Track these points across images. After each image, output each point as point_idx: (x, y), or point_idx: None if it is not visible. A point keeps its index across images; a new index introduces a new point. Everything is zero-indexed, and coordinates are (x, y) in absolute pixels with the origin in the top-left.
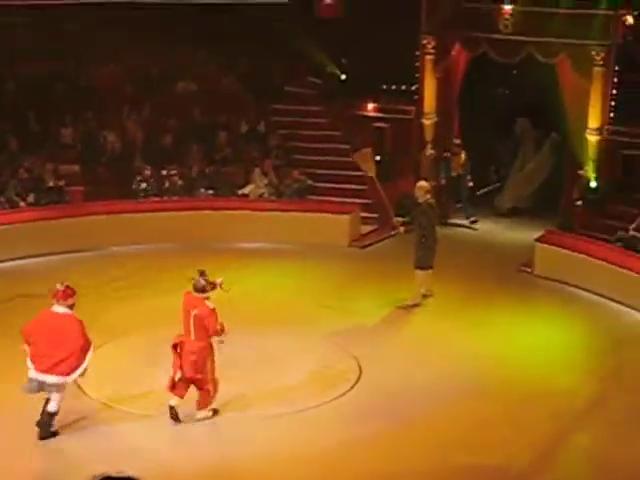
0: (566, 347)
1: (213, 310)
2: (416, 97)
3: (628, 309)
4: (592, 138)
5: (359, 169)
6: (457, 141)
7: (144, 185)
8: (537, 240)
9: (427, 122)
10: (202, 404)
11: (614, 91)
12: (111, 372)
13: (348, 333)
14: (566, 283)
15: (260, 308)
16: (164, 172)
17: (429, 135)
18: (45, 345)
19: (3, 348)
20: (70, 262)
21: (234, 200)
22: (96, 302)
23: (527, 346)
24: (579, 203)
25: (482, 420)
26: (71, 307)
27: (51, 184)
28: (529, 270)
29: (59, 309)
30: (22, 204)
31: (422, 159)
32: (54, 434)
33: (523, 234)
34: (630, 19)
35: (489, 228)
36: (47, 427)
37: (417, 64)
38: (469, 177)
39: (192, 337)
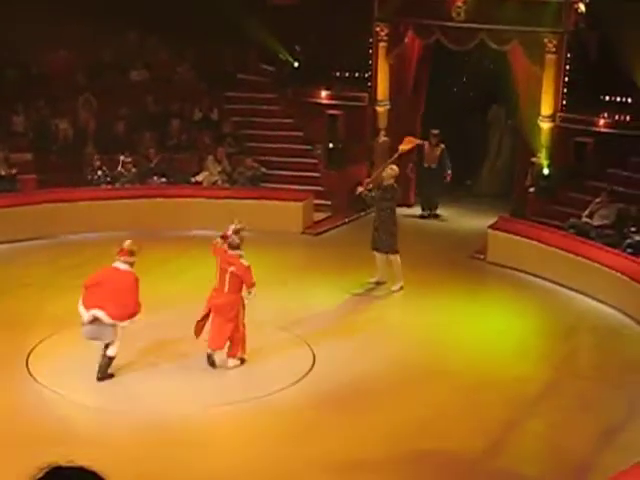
0: (519, 334)
1: (249, 267)
2: (369, 84)
3: (581, 295)
4: (545, 125)
5: (312, 156)
6: (435, 131)
7: (99, 173)
8: (490, 227)
9: (380, 109)
10: (232, 353)
11: (566, 78)
12: (64, 361)
13: (301, 320)
14: (519, 270)
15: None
16: (121, 158)
17: (382, 122)
18: (101, 293)
19: None
20: (25, 251)
21: (187, 187)
22: (51, 290)
23: (480, 333)
24: (531, 190)
25: (435, 406)
26: (131, 265)
27: (3, 173)
28: (482, 257)
29: (121, 265)
30: None
31: (375, 146)
32: (111, 376)
33: (478, 221)
34: (582, 7)
35: (444, 215)
36: (104, 370)
37: (370, 51)
38: (449, 172)
39: (226, 290)
